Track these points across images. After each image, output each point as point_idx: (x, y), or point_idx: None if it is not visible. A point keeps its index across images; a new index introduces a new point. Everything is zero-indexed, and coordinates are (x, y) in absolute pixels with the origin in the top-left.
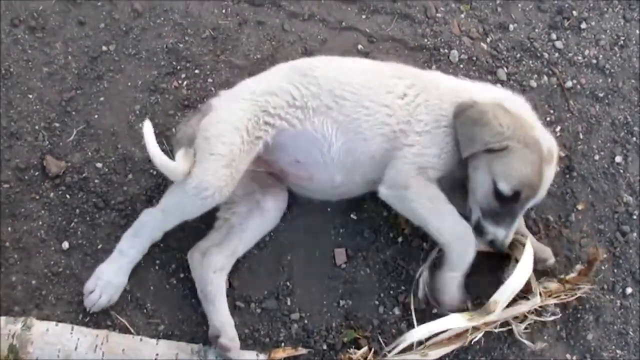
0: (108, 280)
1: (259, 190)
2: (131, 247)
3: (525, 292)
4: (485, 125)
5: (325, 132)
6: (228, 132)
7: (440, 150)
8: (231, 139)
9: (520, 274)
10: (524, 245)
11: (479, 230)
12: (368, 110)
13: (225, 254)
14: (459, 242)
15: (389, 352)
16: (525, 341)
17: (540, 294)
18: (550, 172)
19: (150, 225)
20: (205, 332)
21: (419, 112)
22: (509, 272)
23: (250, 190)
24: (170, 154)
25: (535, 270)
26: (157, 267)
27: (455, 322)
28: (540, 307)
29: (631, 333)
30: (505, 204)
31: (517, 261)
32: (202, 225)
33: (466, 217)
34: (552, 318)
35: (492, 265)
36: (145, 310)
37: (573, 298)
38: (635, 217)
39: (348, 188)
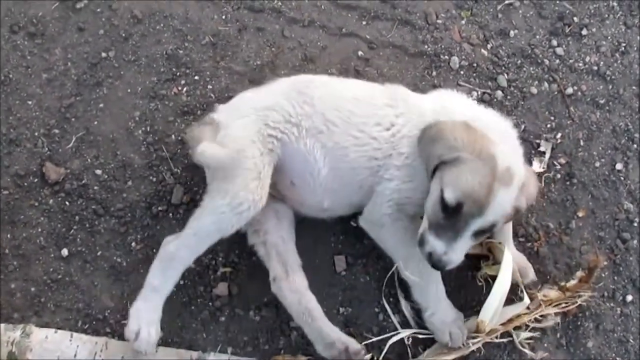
0: (149, 319)
1: (271, 201)
2: (164, 281)
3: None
4: (440, 140)
5: (316, 155)
6: (247, 147)
7: (418, 184)
8: (251, 152)
9: (500, 288)
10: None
11: (420, 242)
12: (357, 140)
13: (296, 273)
14: (424, 281)
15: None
16: (526, 350)
17: (540, 303)
18: (503, 193)
19: (183, 255)
20: (205, 338)
21: (402, 144)
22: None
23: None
24: (170, 160)
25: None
26: None
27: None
28: (541, 316)
29: (631, 341)
30: (450, 217)
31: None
32: None
33: None
34: (552, 323)
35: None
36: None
37: (574, 306)
38: (635, 224)
39: (335, 212)
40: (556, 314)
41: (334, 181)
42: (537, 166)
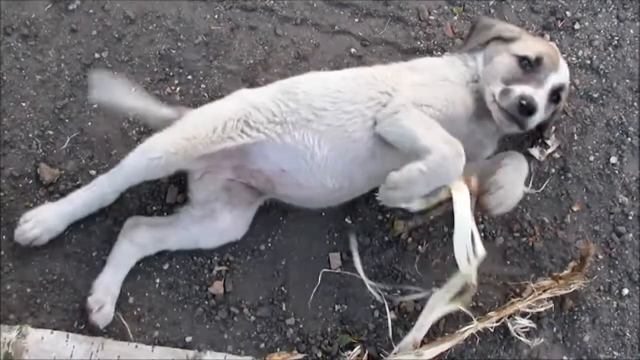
0: (45, 217)
1: (221, 201)
2: (80, 197)
3: (519, 292)
4: (497, 24)
5: (307, 143)
6: (204, 118)
7: (438, 94)
8: (204, 123)
9: (460, 221)
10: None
11: (505, 93)
12: (351, 114)
13: (152, 235)
14: (447, 148)
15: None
16: (522, 338)
17: (533, 291)
18: (564, 62)
19: (102, 182)
20: (201, 337)
21: (404, 75)
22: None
23: (212, 198)
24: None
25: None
26: (150, 274)
27: (443, 308)
28: (534, 302)
29: (628, 334)
30: (530, 71)
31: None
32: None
33: None
34: (545, 309)
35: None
36: (139, 317)
37: (567, 292)
38: (631, 217)
39: (348, 190)
40: (549, 299)
41: (336, 160)
42: (537, 154)
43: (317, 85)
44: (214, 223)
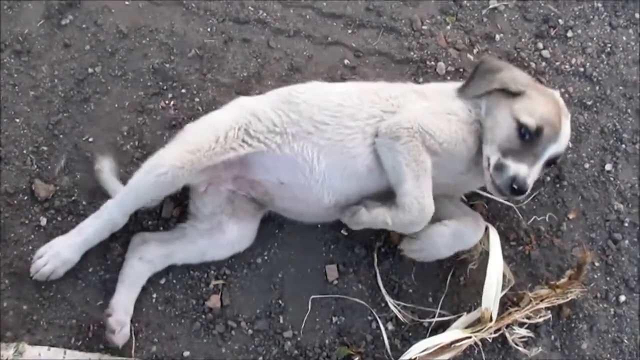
0: (58, 251)
1: (227, 214)
2: (90, 226)
3: (516, 301)
4: (504, 70)
5: (306, 156)
6: (206, 128)
7: (443, 127)
8: (207, 134)
9: (494, 267)
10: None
11: (499, 168)
12: (351, 130)
13: (160, 251)
14: (417, 213)
15: None
16: (520, 348)
17: (531, 300)
18: (567, 126)
19: (110, 206)
20: (198, 351)
21: (412, 99)
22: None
23: (218, 211)
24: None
25: None
26: (147, 288)
27: (456, 334)
28: (532, 312)
29: (625, 341)
30: (527, 143)
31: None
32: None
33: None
34: (543, 319)
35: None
36: (137, 332)
37: (565, 301)
38: (626, 224)
39: (343, 207)
40: (547, 308)
41: (334, 176)
42: None
43: (319, 98)
44: (221, 235)
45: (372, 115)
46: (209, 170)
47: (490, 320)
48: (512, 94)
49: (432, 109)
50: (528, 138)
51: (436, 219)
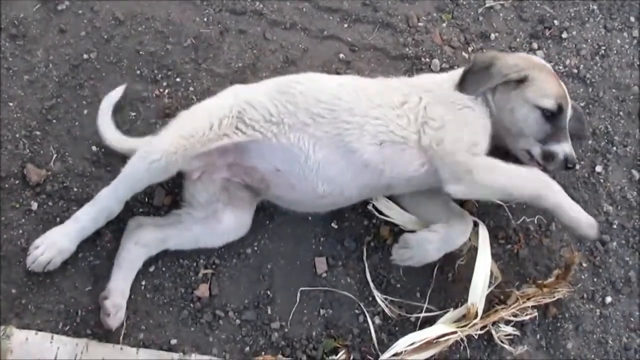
0: (54, 240)
1: (222, 202)
2: (85, 214)
3: (503, 299)
4: (498, 62)
5: (302, 146)
6: (200, 115)
7: (471, 127)
8: (201, 121)
9: (482, 264)
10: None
11: (549, 157)
12: (350, 125)
13: (156, 235)
14: (543, 183)
15: None
16: (505, 346)
17: (518, 298)
18: (563, 85)
19: (104, 194)
20: (186, 340)
21: (429, 110)
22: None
23: (214, 199)
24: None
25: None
26: (136, 276)
27: (442, 329)
28: (518, 310)
29: (610, 342)
30: (555, 122)
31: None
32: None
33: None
34: (529, 317)
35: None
36: (125, 319)
37: (551, 300)
38: (615, 226)
39: (337, 198)
40: (533, 307)
41: (329, 167)
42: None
43: (315, 90)
44: (217, 224)
45: (374, 117)
46: (204, 156)
47: (476, 316)
48: (516, 82)
49: (448, 114)
50: (554, 119)
51: (425, 218)
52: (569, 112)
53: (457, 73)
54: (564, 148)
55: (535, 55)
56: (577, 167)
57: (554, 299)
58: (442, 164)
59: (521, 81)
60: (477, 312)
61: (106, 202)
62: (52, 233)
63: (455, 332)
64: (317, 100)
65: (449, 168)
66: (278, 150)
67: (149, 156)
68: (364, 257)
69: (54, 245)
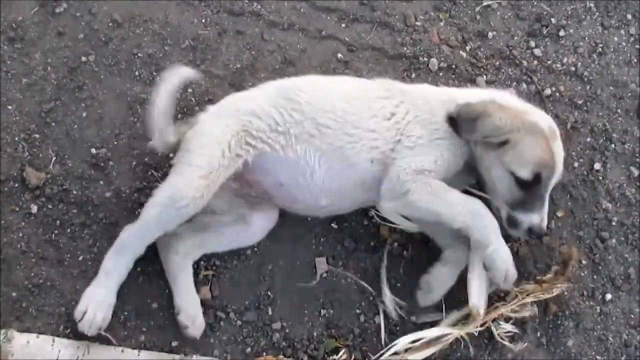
0: (100, 300)
1: (245, 206)
2: (116, 266)
3: (502, 297)
4: (483, 119)
5: (308, 160)
6: (209, 145)
7: (436, 157)
8: (211, 151)
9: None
10: None
11: (513, 224)
12: (352, 138)
13: (192, 241)
14: (477, 217)
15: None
16: (506, 342)
17: (517, 295)
18: (558, 147)
19: (132, 242)
20: (186, 342)
21: (410, 128)
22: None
23: (236, 205)
24: (151, 165)
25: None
26: (136, 278)
27: (444, 330)
28: (518, 307)
29: (611, 339)
30: (530, 190)
31: None
32: None
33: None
34: (529, 314)
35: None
36: (126, 321)
37: (550, 295)
38: (614, 223)
39: (336, 208)
40: (533, 303)
41: (332, 181)
42: None
43: (322, 99)
44: (247, 227)
45: (370, 130)
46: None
47: (479, 316)
48: (498, 143)
49: (423, 138)
50: (529, 187)
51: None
52: (552, 180)
53: (451, 96)
54: (531, 219)
55: (541, 111)
56: (545, 238)
57: (553, 295)
58: (387, 178)
59: (503, 143)
60: (479, 312)
61: (133, 249)
62: (93, 294)
63: (456, 329)
64: (324, 111)
65: (390, 184)
66: (284, 164)
67: (176, 203)
68: (384, 256)
69: (101, 305)
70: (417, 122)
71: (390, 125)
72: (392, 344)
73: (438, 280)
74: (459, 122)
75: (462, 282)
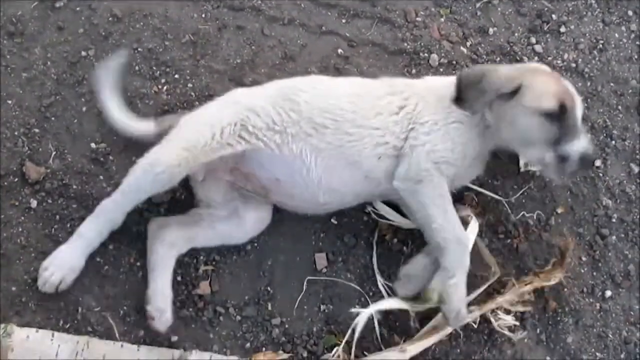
0: (63, 259)
1: (240, 199)
2: (90, 229)
3: (499, 288)
4: (489, 76)
5: (304, 158)
6: (201, 125)
7: (453, 144)
8: (202, 131)
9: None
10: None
11: (564, 159)
12: (352, 137)
13: (181, 233)
14: (459, 246)
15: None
16: (505, 331)
17: (514, 284)
18: (566, 81)
19: (109, 207)
20: (186, 337)
21: (423, 116)
22: None
23: (230, 198)
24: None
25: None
26: (136, 273)
27: (397, 304)
28: (516, 296)
29: (610, 336)
30: (561, 122)
31: None
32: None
33: None
34: (527, 309)
35: None
36: (125, 316)
37: (547, 284)
38: (614, 220)
39: (337, 205)
40: (531, 293)
41: (331, 178)
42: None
43: (320, 99)
44: (240, 221)
45: (375, 127)
46: (205, 163)
47: (430, 300)
48: (510, 93)
49: (438, 124)
50: (559, 119)
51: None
52: (577, 111)
53: (443, 80)
54: (578, 145)
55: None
56: (544, 234)
57: (550, 283)
58: (406, 161)
59: (515, 91)
60: (432, 297)
61: (110, 214)
62: (59, 253)
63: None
64: (321, 110)
65: (409, 167)
66: (279, 162)
67: (153, 169)
68: (374, 249)
69: (63, 264)
70: (429, 110)
71: (400, 118)
72: (355, 321)
73: (417, 272)
74: (466, 93)
75: None
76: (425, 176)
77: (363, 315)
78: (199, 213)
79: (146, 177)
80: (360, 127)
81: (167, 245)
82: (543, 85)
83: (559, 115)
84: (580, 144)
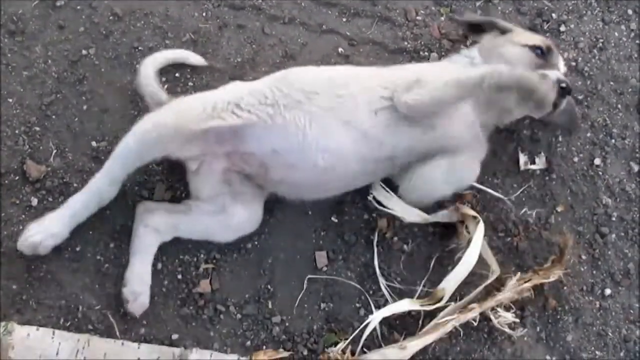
0: (47, 225)
1: (229, 195)
2: (77, 200)
3: (499, 286)
4: (488, 18)
5: (298, 123)
6: (193, 100)
7: (442, 76)
8: (194, 104)
9: (468, 260)
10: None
11: (543, 76)
12: (342, 98)
13: (166, 220)
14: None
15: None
16: (505, 329)
17: (513, 279)
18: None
19: (97, 177)
20: (187, 335)
21: (409, 67)
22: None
23: (218, 192)
24: None
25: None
26: None
27: (408, 305)
28: (515, 293)
29: (610, 334)
30: (544, 57)
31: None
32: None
33: None
34: (527, 307)
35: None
36: (126, 314)
37: (546, 280)
38: (614, 218)
39: (339, 173)
40: (529, 289)
41: (328, 140)
42: (522, 161)
43: (311, 72)
44: (227, 218)
45: (367, 87)
46: (200, 142)
47: (440, 300)
48: (502, 32)
49: (431, 65)
50: (542, 55)
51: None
52: (560, 60)
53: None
54: (556, 73)
55: None
56: (544, 232)
57: (549, 280)
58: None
59: (508, 32)
60: (442, 297)
61: (98, 184)
62: (45, 219)
63: (454, 316)
64: (312, 79)
65: (401, 83)
66: (274, 131)
67: (139, 128)
68: (374, 248)
69: (46, 229)
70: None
71: (392, 73)
72: (367, 320)
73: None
74: (463, 23)
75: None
76: (414, 78)
77: (376, 319)
78: (188, 204)
79: (134, 137)
80: (350, 88)
81: (151, 230)
82: (530, 35)
83: (543, 52)
84: (559, 74)
